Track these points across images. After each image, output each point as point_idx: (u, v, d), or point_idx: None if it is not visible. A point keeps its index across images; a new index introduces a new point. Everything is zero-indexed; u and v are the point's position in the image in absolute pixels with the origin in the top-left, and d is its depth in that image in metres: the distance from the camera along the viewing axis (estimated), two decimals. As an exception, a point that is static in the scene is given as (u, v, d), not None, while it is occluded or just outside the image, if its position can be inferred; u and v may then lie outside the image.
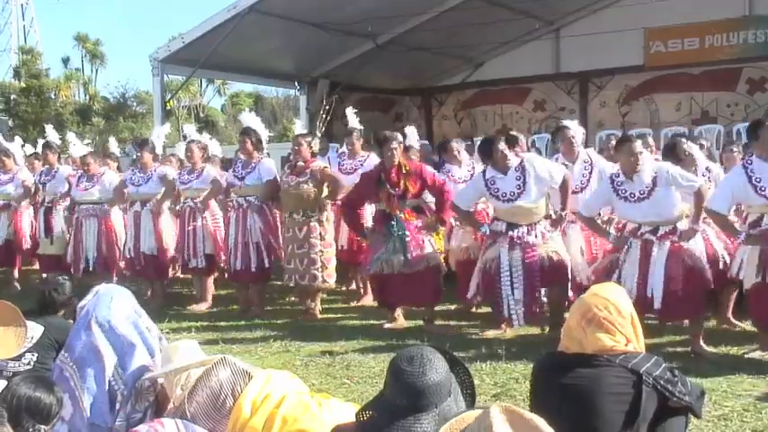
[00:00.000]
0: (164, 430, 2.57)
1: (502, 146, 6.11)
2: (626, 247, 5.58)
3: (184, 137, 11.41)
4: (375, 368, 5.34)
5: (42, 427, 2.62)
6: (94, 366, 3.05)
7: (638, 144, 5.60)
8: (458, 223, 7.06)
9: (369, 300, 7.58)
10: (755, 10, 13.19)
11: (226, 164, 9.68)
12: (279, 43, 12.73)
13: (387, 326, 6.65)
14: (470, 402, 2.35)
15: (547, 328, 6.18)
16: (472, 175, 7.04)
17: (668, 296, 5.35)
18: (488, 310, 6.69)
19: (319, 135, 8.06)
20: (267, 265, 7.52)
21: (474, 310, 7.14)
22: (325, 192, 7.18)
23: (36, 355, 3.82)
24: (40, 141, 10.25)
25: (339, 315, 7.43)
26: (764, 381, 4.83)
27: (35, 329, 3.88)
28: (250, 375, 2.73)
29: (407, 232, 6.45)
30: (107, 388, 3.03)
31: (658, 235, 5.49)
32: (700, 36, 13.55)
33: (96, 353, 3.06)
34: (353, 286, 8.34)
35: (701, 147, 7.06)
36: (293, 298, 7.95)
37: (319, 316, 7.26)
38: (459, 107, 16.26)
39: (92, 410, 3.00)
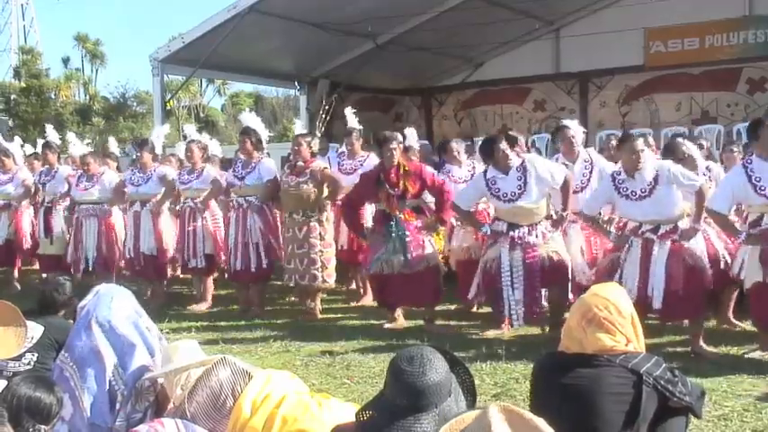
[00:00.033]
0: (164, 430, 2.57)
1: (503, 145, 6.11)
2: (627, 246, 5.58)
3: (184, 137, 11.41)
4: (375, 368, 5.34)
5: (42, 427, 2.62)
6: (95, 366, 3.05)
7: (640, 142, 5.59)
8: (459, 223, 7.06)
9: (369, 300, 7.57)
10: (755, 10, 13.19)
11: (225, 164, 9.68)
12: (279, 43, 12.73)
13: (387, 326, 6.65)
14: (471, 402, 2.35)
15: (547, 328, 6.18)
16: (472, 176, 7.04)
17: (669, 296, 5.35)
18: (488, 310, 6.69)
19: (319, 135, 8.06)
20: (267, 265, 7.52)
21: (474, 310, 7.14)
22: (325, 192, 7.18)
23: (36, 355, 3.82)
24: (40, 141, 10.26)
25: (339, 315, 7.43)
26: (764, 381, 4.83)
27: (35, 329, 3.87)
28: (250, 375, 2.73)
29: (408, 232, 6.45)
30: (107, 388, 3.03)
31: (659, 234, 5.49)
32: (700, 36, 13.55)
33: (96, 353, 3.06)
34: (354, 286, 8.34)
35: (701, 147, 7.07)
36: (293, 298, 7.95)
37: (319, 316, 7.26)
38: (459, 107, 16.26)
39: (92, 410, 3.00)
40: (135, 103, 41.25)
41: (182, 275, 9.05)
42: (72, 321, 3.59)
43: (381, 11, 11.80)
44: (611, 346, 2.70)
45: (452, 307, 7.21)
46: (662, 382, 2.68)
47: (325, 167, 7.39)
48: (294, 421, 2.53)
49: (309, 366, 5.56)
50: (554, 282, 6.08)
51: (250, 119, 7.79)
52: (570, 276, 6.22)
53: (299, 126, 8.82)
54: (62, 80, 41.91)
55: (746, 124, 7.99)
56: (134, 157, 9.30)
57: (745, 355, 5.39)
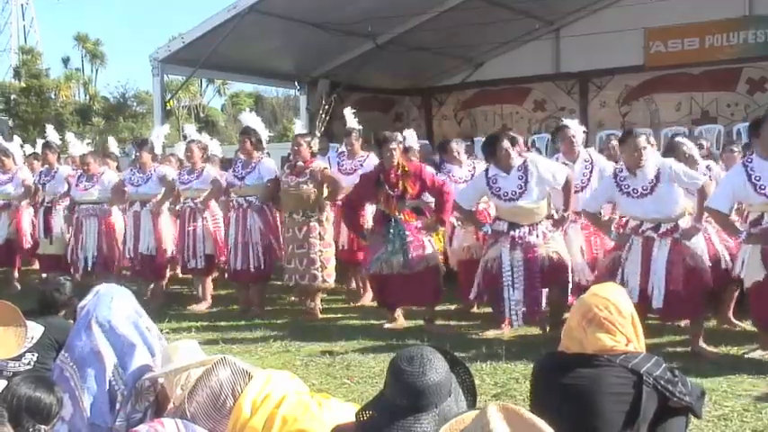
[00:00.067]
0: (164, 430, 2.57)
1: (506, 144, 6.11)
2: (628, 244, 5.58)
3: (184, 137, 11.42)
4: (375, 368, 5.34)
5: (42, 427, 2.62)
6: (95, 366, 3.05)
7: (643, 139, 5.58)
8: (459, 223, 7.06)
9: (368, 299, 7.58)
10: (755, 10, 13.20)
11: (225, 164, 9.68)
12: (279, 43, 12.74)
13: (387, 326, 6.65)
14: (471, 402, 2.35)
15: (547, 328, 6.18)
16: (473, 176, 7.04)
17: (669, 295, 5.35)
18: (488, 310, 6.69)
19: (319, 135, 8.05)
20: (267, 265, 7.51)
21: (474, 310, 7.13)
22: (325, 192, 7.18)
23: (36, 355, 3.82)
24: (40, 141, 10.26)
25: (339, 315, 7.43)
26: (764, 381, 4.82)
27: (35, 329, 3.87)
28: (250, 375, 2.73)
29: (408, 233, 6.45)
30: (107, 388, 3.03)
31: (660, 232, 5.48)
32: (700, 36, 13.56)
33: (96, 353, 3.06)
34: (353, 286, 8.34)
35: (701, 147, 7.08)
36: (293, 298, 7.95)
37: (320, 316, 7.26)
38: (459, 107, 16.27)
39: (92, 410, 3.00)
40: (135, 103, 41.29)
41: (182, 275, 9.05)
42: (72, 321, 3.59)
43: (381, 11, 11.81)
44: (612, 346, 2.70)
45: (452, 307, 7.21)
46: (662, 383, 2.68)
47: (325, 167, 7.39)
48: (294, 421, 2.53)
49: (309, 366, 5.56)
50: (554, 282, 6.08)
51: (250, 119, 7.78)
52: (570, 276, 6.21)
53: (299, 126, 8.82)
54: (62, 80, 41.94)
55: (746, 124, 8.00)
56: (134, 157, 9.31)
57: (745, 355, 5.38)
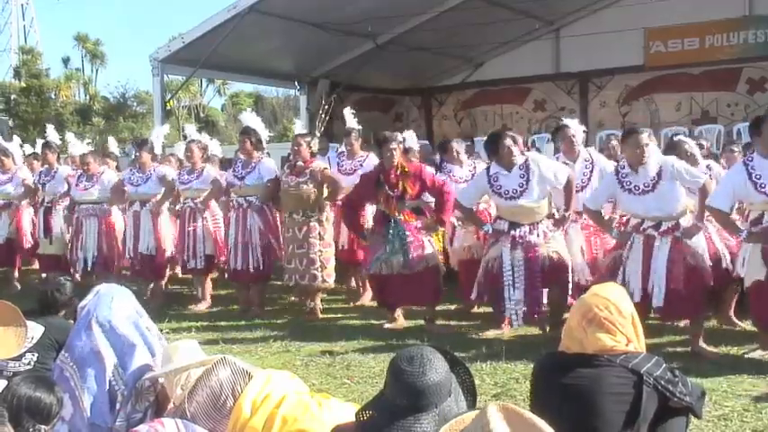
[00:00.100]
0: (164, 430, 2.57)
1: (509, 142, 6.11)
2: (629, 243, 5.58)
3: (185, 137, 11.42)
4: (375, 368, 5.34)
5: (42, 427, 2.62)
6: (95, 366, 3.05)
7: (645, 136, 5.57)
8: (460, 223, 7.06)
9: (368, 299, 7.58)
10: (755, 10, 13.21)
11: (225, 164, 9.68)
12: (279, 43, 12.74)
13: (387, 326, 6.65)
14: (471, 402, 2.35)
15: (547, 328, 6.18)
16: (473, 176, 7.03)
17: (669, 294, 5.35)
18: (489, 310, 6.69)
19: (319, 135, 8.05)
20: (266, 265, 7.51)
21: (474, 310, 7.13)
22: (325, 192, 7.18)
23: (36, 355, 3.82)
24: (40, 141, 10.26)
25: (339, 315, 7.42)
26: (764, 381, 4.82)
27: (35, 329, 3.87)
28: (250, 375, 2.73)
29: (408, 233, 6.45)
30: (107, 388, 3.03)
31: (660, 230, 5.48)
32: (700, 36, 13.57)
33: (96, 353, 3.06)
34: (354, 285, 8.34)
35: (701, 147, 7.07)
36: (293, 298, 7.95)
37: (320, 316, 7.26)
38: (459, 107, 16.28)
39: (92, 410, 3.00)
40: (135, 103, 41.29)
41: (182, 275, 9.05)
42: (72, 321, 3.59)
43: (381, 11, 11.81)
44: (612, 346, 2.70)
45: (452, 307, 7.21)
46: (662, 383, 2.68)
47: (325, 168, 7.39)
48: (294, 421, 2.53)
49: (309, 366, 5.56)
50: (554, 282, 6.07)
51: (250, 119, 7.78)
52: (570, 276, 6.21)
53: (299, 126, 8.82)
54: (62, 80, 41.95)
55: (746, 124, 8.00)
56: (133, 156, 9.31)
57: (745, 355, 5.38)
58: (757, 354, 5.35)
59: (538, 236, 6.02)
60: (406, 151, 7.46)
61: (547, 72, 15.07)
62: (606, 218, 6.12)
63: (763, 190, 5.22)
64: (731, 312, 6.27)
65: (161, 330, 3.46)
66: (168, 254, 8.04)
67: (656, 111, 14.26)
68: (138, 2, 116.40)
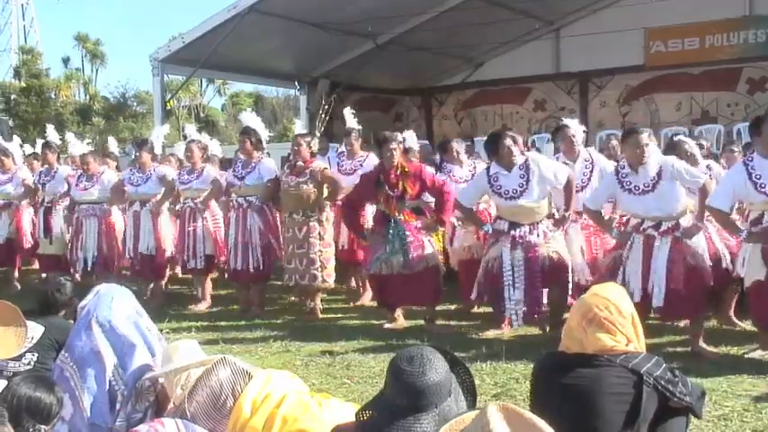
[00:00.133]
0: (164, 430, 2.57)
1: (509, 142, 6.11)
2: (629, 243, 5.58)
3: (184, 137, 11.42)
4: (375, 368, 5.34)
5: (42, 426, 2.62)
6: (95, 366, 3.05)
7: (645, 136, 5.57)
8: (460, 223, 7.06)
9: (368, 299, 7.58)
10: (755, 10, 13.21)
11: (225, 164, 9.67)
12: (279, 43, 12.74)
13: (387, 326, 6.65)
14: (471, 402, 2.35)
15: (547, 328, 6.18)
16: (473, 176, 7.03)
17: (669, 294, 5.35)
18: (489, 310, 6.69)
19: (319, 135, 8.05)
20: (266, 265, 7.51)
21: (474, 309, 7.13)
22: (325, 193, 7.18)
23: (36, 355, 3.82)
24: (40, 141, 10.26)
25: (339, 315, 7.42)
26: (764, 381, 4.82)
27: (35, 329, 3.87)
28: (250, 375, 2.73)
29: (408, 233, 6.45)
30: (107, 388, 3.03)
31: (660, 230, 5.48)
32: (700, 36, 13.57)
33: (96, 353, 3.06)
34: (353, 284, 8.33)
35: (701, 147, 7.07)
36: (293, 298, 7.95)
37: (320, 316, 7.26)
38: (460, 107, 16.28)
39: (92, 410, 3.00)
40: (135, 103, 41.31)
41: (182, 275, 9.06)
42: (72, 321, 3.59)
43: (381, 11, 11.81)
44: (612, 346, 2.70)
45: (452, 307, 7.21)
46: (662, 383, 2.68)
47: (325, 168, 7.38)
48: (294, 421, 2.53)
49: (309, 366, 5.56)
50: (554, 281, 6.07)
51: (250, 119, 7.78)
52: (570, 276, 6.21)
53: (299, 126, 8.82)
54: (62, 80, 41.96)
55: (746, 124, 7.99)
56: (133, 156, 9.31)
57: (745, 355, 5.38)
58: (757, 354, 5.35)
59: (538, 236, 6.02)
60: (406, 151, 7.46)
61: (547, 72, 15.07)
62: (606, 218, 6.12)
63: (762, 190, 5.22)
64: (731, 312, 6.27)
65: (161, 330, 3.46)
66: (168, 254, 8.05)
67: (656, 111, 14.26)
68: (138, 2, 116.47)
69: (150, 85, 13.78)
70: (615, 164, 6.23)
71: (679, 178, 5.47)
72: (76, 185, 8.39)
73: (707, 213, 5.55)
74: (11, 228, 9.15)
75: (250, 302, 7.61)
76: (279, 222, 7.57)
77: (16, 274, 9.31)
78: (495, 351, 5.65)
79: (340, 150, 8.59)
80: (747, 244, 5.35)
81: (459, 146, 7.64)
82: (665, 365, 2.74)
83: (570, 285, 6.13)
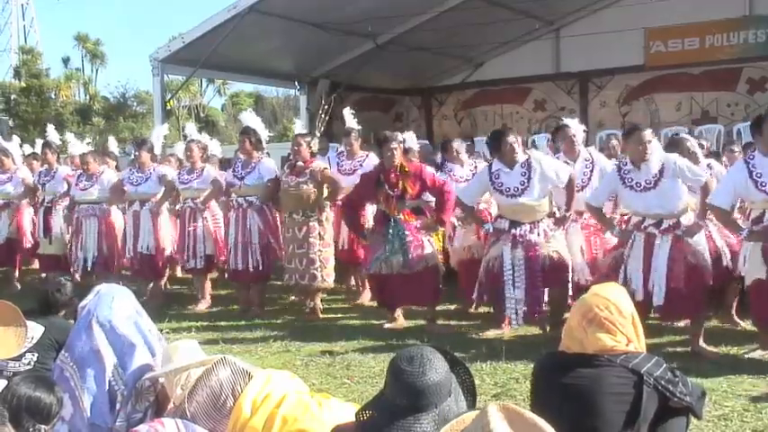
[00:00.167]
0: (164, 430, 2.57)
1: (511, 139, 6.12)
2: (630, 241, 5.58)
3: (185, 136, 11.42)
4: (375, 368, 5.34)
5: (42, 426, 2.62)
6: (94, 367, 3.05)
7: (648, 133, 5.57)
8: (460, 223, 7.06)
9: (367, 298, 7.59)
10: (755, 10, 13.21)
11: (224, 164, 9.67)
12: (279, 43, 12.74)
13: (386, 326, 6.65)
14: (471, 402, 2.35)
15: (547, 328, 6.18)
16: (474, 175, 7.03)
17: (670, 293, 5.35)
18: (489, 309, 6.69)
19: (319, 135, 8.05)
20: (266, 265, 7.51)
21: (474, 310, 7.12)
22: (325, 193, 7.18)
23: (36, 355, 3.82)
24: (39, 141, 10.25)
25: (339, 315, 7.42)
26: (764, 381, 4.82)
27: (35, 329, 3.87)
28: (250, 375, 2.73)
29: (407, 232, 6.45)
30: (107, 388, 3.03)
31: (661, 228, 5.48)
32: (700, 36, 13.57)
33: (96, 353, 3.06)
34: (353, 283, 8.33)
35: (701, 147, 7.07)
36: (293, 298, 7.95)
37: (320, 315, 7.26)
38: (460, 107, 16.28)
39: (92, 410, 3.00)
40: (135, 103, 41.31)
41: (182, 275, 9.06)
42: (72, 321, 3.59)
43: (381, 11, 11.81)
44: (612, 346, 2.69)
45: (452, 307, 7.21)
46: (662, 383, 2.68)
47: (325, 168, 7.38)
48: (294, 421, 2.53)
49: (309, 366, 5.56)
50: (555, 281, 6.08)
51: (250, 119, 7.78)
52: (571, 276, 6.21)
53: (300, 126, 8.82)
54: (62, 80, 41.96)
55: (746, 124, 8.00)
56: (133, 156, 9.31)
57: (745, 355, 5.38)
58: (757, 354, 5.35)
59: (538, 235, 6.02)
60: (406, 152, 7.45)
61: (547, 72, 15.07)
62: (607, 216, 6.12)
63: (763, 188, 5.22)
64: (733, 312, 6.28)
65: (161, 330, 3.45)
66: (168, 253, 8.05)
67: (656, 111, 14.26)
68: (138, 2, 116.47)
69: (150, 85, 13.78)
70: (616, 163, 6.23)
71: (681, 176, 5.47)
72: (76, 185, 8.39)
73: (708, 212, 5.55)
74: (11, 228, 9.15)
75: (250, 302, 7.60)
76: (279, 222, 7.57)
77: (17, 273, 9.31)
78: (495, 351, 5.64)
79: (340, 150, 8.59)
80: (748, 243, 5.35)
81: (459, 145, 7.65)
82: (665, 365, 2.74)
83: (570, 285, 6.13)
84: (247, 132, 7.56)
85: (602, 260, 6.16)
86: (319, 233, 7.11)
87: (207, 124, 36.69)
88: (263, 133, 7.71)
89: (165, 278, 8.49)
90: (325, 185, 7.15)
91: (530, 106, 15.54)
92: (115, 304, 3.16)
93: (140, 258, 7.98)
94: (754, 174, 5.26)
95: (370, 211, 7.12)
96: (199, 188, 7.81)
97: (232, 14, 11.35)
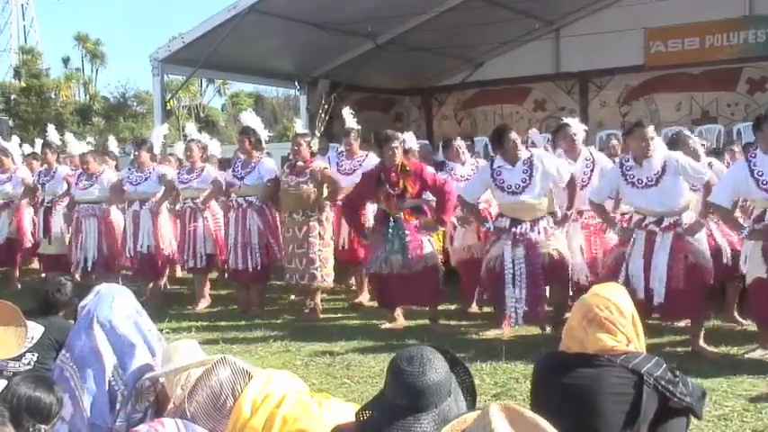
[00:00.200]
0: (164, 430, 2.57)
1: (514, 135, 6.13)
2: (632, 240, 5.58)
3: (185, 136, 11.42)
4: (375, 368, 5.34)
5: (42, 426, 2.62)
6: (94, 367, 3.05)
7: (651, 129, 5.57)
8: (459, 223, 7.06)
9: (366, 299, 7.59)
10: (755, 10, 13.20)
11: (223, 164, 9.67)
12: (279, 43, 12.74)
13: (386, 326, 6.64)
14: (471, 402, 2.35)
15: (548, 328, 6.18)
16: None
17: (670, 293, 5.35)
18: (489, 310, 6.68)
19: (319, 135, 8.05)
20: (266, 265, 7.51)
21: (474, 310, 7.12)
22: (325, 192, 7.18)
23: (36, 355, 3.82)
24: (39, 141, 10.24)
25: (339, 315, 7.42)
26: (764, 381, 4.82)
27: (35, 329, 3.87)
28: (250, 375, 2.72)
29: (407, 232, 6.45)
30: (107, 388, 3.03)
31: (662, 226, 5.48)
32: (700, 36, 13.56)
33: (96, 353, 3.06)
34: (353, 283, 8.33)
35: (702, 146, 7.06)
36: (293, 297, 7.95)
37: (320, 315, 7.26)
38: (460, 107, 16.28)
39: (92, 410, 3.00)
40: (135, 103, 41.32)
41: (182, 275, 9.05)
42: (72, 321, 3.59)
43: (381, 11, 11.81)
44: (612, 347, 2.69)
45: (452, 307, 7.21)
46: (663, 383, 2.68)
47: (326, 167, 7.38)
48: (294, 421, 2.53)
49: (309, 366, 5.56)
50: (555, 279, 6.08)
51: (250, 119, 7.78)
52: (570, 274, 6.21)
53: (300, 126, 8.82)
54: (62, 80, 41.96)
55: (746, 124, 7.99)
56: (132, 156, 9.31)
57: (745, 355, 5.38)
58: (757, 354, 5.35)
59: (539, 233, 6.03)
60: (406, 152, 7.45)
61: (547, 72, 15.06)
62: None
63: (764, 187, 5.22)
64: (735, 311, 6.28)
65: (161, 330, 3.45)
66: (167, 253, 8.04)
67: (656, 111, 14.25)
68: (138, 2, 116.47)
69: (150, 85, 13.77)
70: (619, 159, 6.22)
71: (683, 173, 5.48)
72: (76, 185, 8.39)
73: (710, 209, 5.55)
74: (11, 227, 9.15)
75: (250, 302, 7.60)
76: (279, 222, 7.57)
77: (17, 273, 9.31)
78: (495, 351, 5.64)
79: (339, 150, 8.60)
80: (749, 241, 5.35)
81: (461, 144, 7.66)
82: (665, 366, 2.74)
83: (570, 284, 6.13)
84: (247, 132, 7.55)
85: (604, 259, 6.16)
86: (319, 233, 7.11)
87: (207, 124, 36.68)
88: (263, 133, 7.71)
89: (165, 278, 8.48)
90: (325, 185, 7.15)
91: (530, 106, 15.53)
92: (115, 304, 3.16)
93: (140, 258, 7.98)
94: (755, 172, 5.26)
95: (370, 210, 7.12)
96: (198, 188, 7.81)
97: (232, 14, 11.34)
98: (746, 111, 13.18)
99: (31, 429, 2.59)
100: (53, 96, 39.78)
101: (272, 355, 5.90)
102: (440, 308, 6.90)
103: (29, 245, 9.19)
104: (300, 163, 7.15)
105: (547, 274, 6.02)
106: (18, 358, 3.73)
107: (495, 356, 5.49)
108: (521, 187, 6.03)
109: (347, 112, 8.31)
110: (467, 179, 7.11)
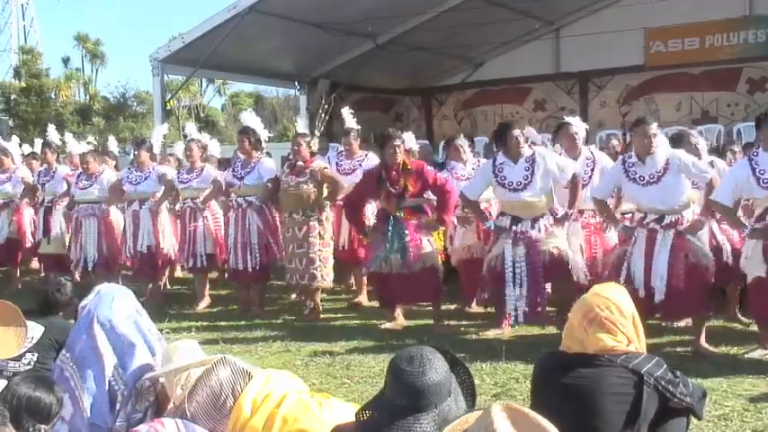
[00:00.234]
0: (164, 430, 2.57)
1: (517, 132, 6.13)
2: (633, 238, 5.58)
3: (185, 136, 11.42)
4: (375, 368, 5.33)
5: (42, 426, 2.62)
6: (94, 367, 3.05)
7: (654, 126, 5.57)
8: (460, 222, 7.06)
9: (365, 299, 7.59)
10: (755, 10, 13.20)
11: (223, 164, 9.67)
12: (279, 43, 12.73)
13: (385, 325, 6.63)
14: (471, 403, 2.35)
15: (548, 328, 6.18)
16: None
17: (671, 292, 5.35)
18: (489, 310, 6.68)
19: (319, 135, 8.05)
20: (266, 265, 7.51)
21: (474, 310, 7.12)
22: (325, 192, 7.18)
23: (36, 355, 3.82)
24: (38, 141, 10.24)
25: (339, 315, 7.42)
26: (764, 381, 4.82)
27: (35, 329, 3.87)
28: (250, 375, 2.73)
29: (407, 231, 6.45)
30: (107, 388, 3.03)
31: (663, 224, 5.48)
32: (700, 36, 13.56)
33: (96, 353, 3.06)
34: (353, 282, 8.33)
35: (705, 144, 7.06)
36: (294, 296, 7.95)
37: (320, 315, 7.25)
38: (460, 107, 16.27)
39: (92, 410, 3.00)
40: (135, 103, 41.33)
41: (182, 275, 9.05)
42: (72, 321, 3.59)
43: (381, 11, 11.80)
44: (613, 347, 2.69)
45: (452, 307, 7.20)
46: (663, 383, 2.67)
47: (326, 167, 7.38)
48: (294, 421, 2.53)
49: (309, 366, 5.56)
50: (556, 276, 6.08)
51: (250, 119, 7.78)
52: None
53: (301, 126, 8.82)
54: (62, 80, 41.97)
55: (747, 124, 7.99)
56: (132, 156, 9.31)
57: (745, 355, 5.38)
58: (757, 353, 5.35)
59: (539, 231, 6.03)
60: (406, 152, 7.45)
61: (547, 72, 15.06)
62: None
63: (766, 185, 5.22)
64: (737, 309, 6.28)
65: (161, 330, 3.45)
66: (166, 252, 8.04)
67: (656, 111, 14.24)
68: (138, 2, 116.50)
69: (150, 85, 13.77)
70: (621, 156, 6.22)
71: (686, 171, 5.48)
72: (76, 185, 8.39)
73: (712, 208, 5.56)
74: (11, 227, 9.15)
75: (250, 302, 7.60)
76: (278, 222, 7.57)
77: (17, 273, 9.31)
78: (495, 351, 5.64)
79: (339, 150, 8.59)
80: (750, 240, 5.35)
81: (463, 142, 7.67)
82: (665, 366, 2.74)
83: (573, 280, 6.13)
84: (246, 132, 7.55)
85: (605, 258, 6.16)
86: (319, 233, 7.11)
87: (207, 124, 36.68)
88: (263, 133, 7.70)
89: (165, 278, 8.48)
90: (325, 185, 7.15)
91: (530, 106, 15.53)
92: (115, 304, 3.16)
93: (140, 258, 7.98)
94: (757, 171, 5.26)
95: (370, 210, 7.12)
96: (198, 188, 7.81)
97: (232, 14, 11.34)
98: (746, 111, 13.18)
99: (31, 429, 2.59)
100: (53, 96, 39.80)
101: (272, 355, 5.90)
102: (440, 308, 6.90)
103: (29, 245, 9.18)
104: (300, 163, 7.15)
105: (547, 272, 6.02)
106: (18, 358, 3.73)
107: (495, 356, 5.49)
108: (522, 185, 6.04)
109: (347, 112, 8.31)
110: (468, 179, 7.10)
